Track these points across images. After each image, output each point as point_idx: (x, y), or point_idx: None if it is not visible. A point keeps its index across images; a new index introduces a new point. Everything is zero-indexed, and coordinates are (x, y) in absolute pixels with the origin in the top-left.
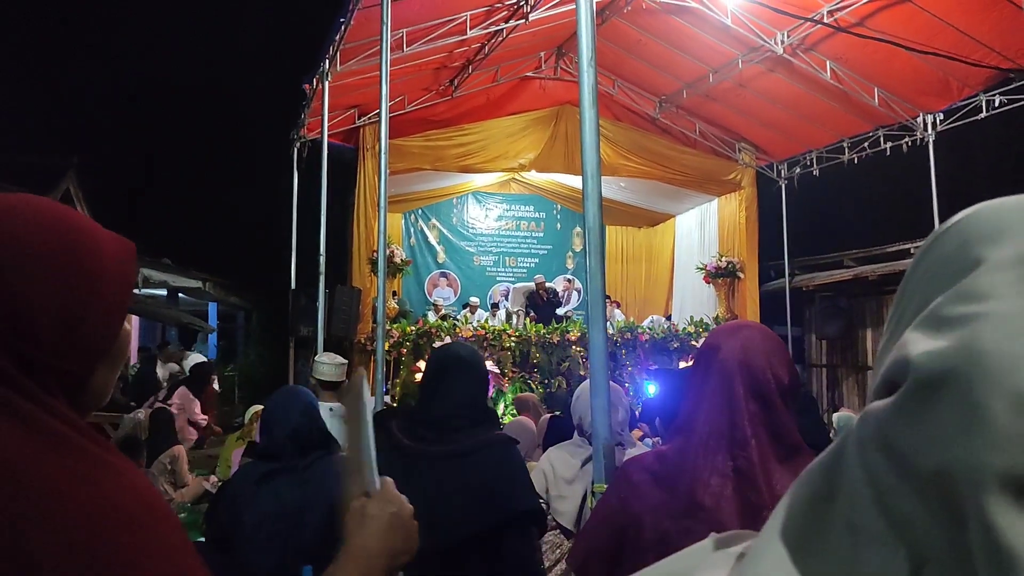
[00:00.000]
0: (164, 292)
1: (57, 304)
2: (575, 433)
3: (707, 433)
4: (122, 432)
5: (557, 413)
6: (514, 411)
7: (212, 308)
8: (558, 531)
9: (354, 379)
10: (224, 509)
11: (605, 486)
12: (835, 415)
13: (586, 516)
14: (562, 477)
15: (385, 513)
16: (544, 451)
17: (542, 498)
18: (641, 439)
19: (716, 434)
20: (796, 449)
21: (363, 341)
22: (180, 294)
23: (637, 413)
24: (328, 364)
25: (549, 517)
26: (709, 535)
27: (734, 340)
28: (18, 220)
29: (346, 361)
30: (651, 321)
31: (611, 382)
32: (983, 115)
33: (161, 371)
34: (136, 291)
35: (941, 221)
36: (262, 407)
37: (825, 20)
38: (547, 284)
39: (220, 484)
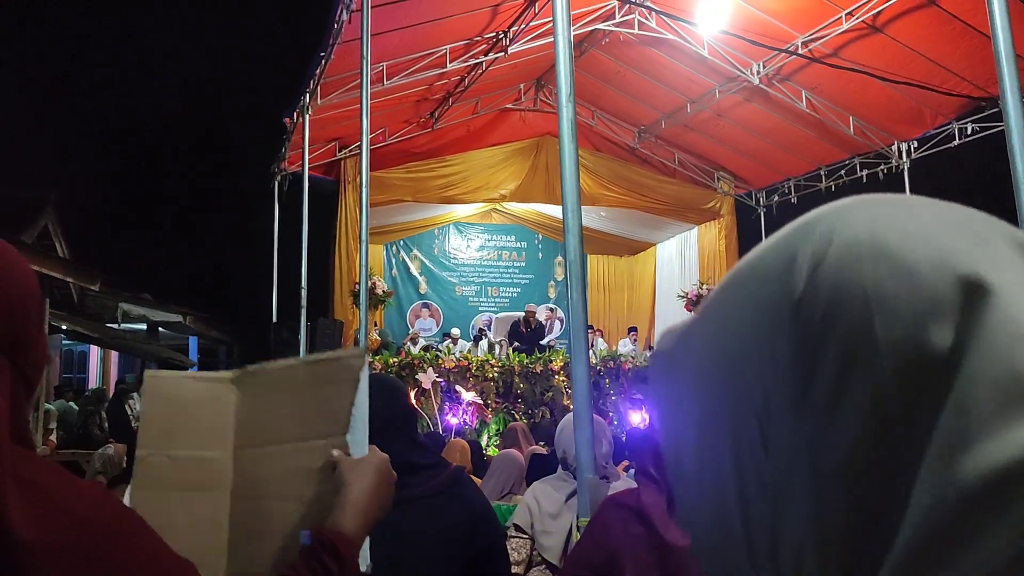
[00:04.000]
0: (144, 327)
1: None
2: (559, 467)
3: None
4: (93, 468)
5: (542, 445)
6: (498, 442)
7: (193, 342)
8: (544, 567)
9: (357, 352)
10: None
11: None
12: None
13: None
14: (547, 512)
15: (379, 471)
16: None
17: (526, 533)
18: (626, 470)
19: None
20: None
21: None
22: (160, 328)
23: (623, 439)
24: None
25: (536, 552)
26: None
27: None
28: None
29: None
30: (623, 345)
31: (595, 415)
32: (956, 142)
33: (140, 405)
34: (115, 326)
35: None
36: None
37: (800, 51)
38: (536, 316)
39: None
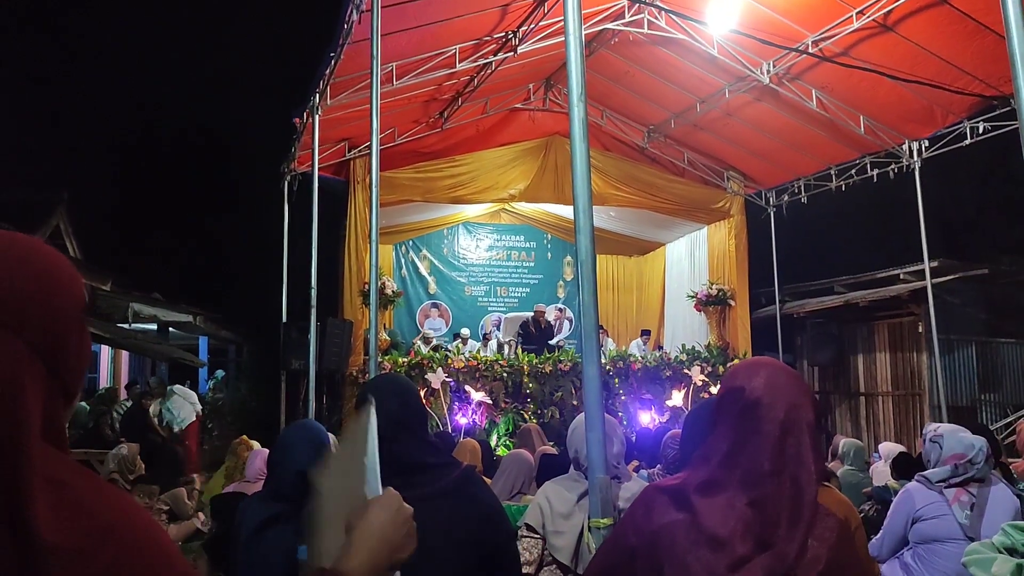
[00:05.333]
0: (154, 327)
1: (76, 334)
2: (571, 467)
3: (727, 467)
4: (108, 468)
5: (552, 445)
6: (507, 442)
7: (203, 342)
8: (555, 567)
9: (368, 408)
10: (221, 555)
11: (603, 520)
12: (841, 442)
13: (583, 551)
14: (559, 512)
15: (389, 509)
16: (538, 486)
17: (538, 533)
18: (636, 470)
19: (736, 468)
20: (819, 483)
21: (355, 374)
22: (171, 328)
23: (633, 439)
24: None
25: (547, 552)
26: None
27: (757, 379)
28: (35, 259)
29: None
30: (634, 346)
31: (606, 414)
32: (967, 142)
33: (153, 407)
34: (126, 326)
35: (929, 246)
36: (244, 439)
37: (810, 50)
38: (545, 316)
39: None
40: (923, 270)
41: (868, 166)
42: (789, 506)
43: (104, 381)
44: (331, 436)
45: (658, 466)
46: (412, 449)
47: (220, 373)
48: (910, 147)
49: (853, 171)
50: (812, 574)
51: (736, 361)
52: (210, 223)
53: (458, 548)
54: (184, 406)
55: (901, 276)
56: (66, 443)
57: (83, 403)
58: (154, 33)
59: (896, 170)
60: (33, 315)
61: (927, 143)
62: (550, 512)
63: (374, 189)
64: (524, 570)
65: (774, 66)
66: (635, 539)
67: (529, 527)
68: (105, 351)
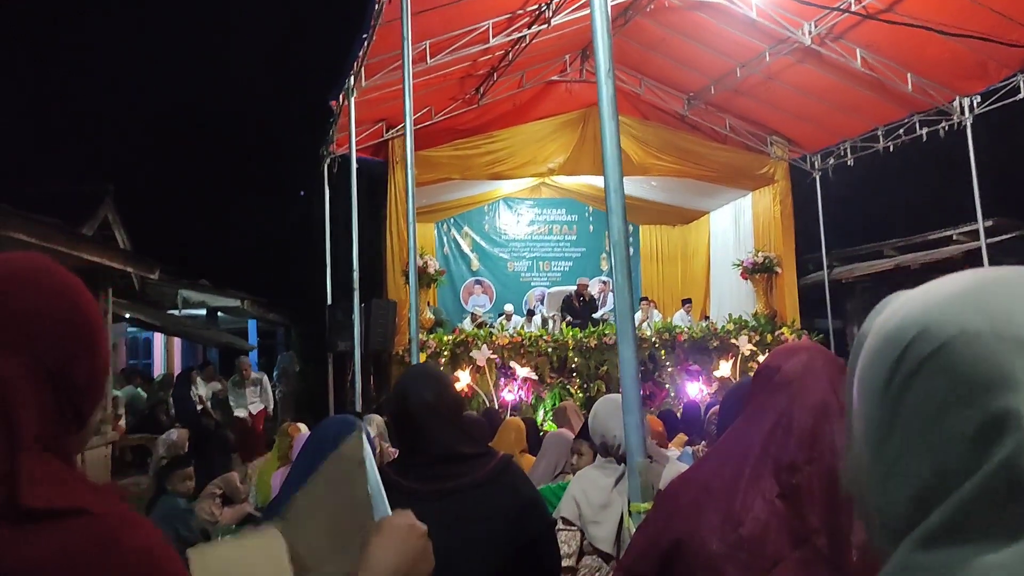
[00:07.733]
0: (203, 312)
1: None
2: (597, 455)
3: (756, 456)
4: (157, 454)
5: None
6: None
7: (252, 325)
8: (596, 555)
9: (352, 439)
10: None
11: (643, 505)
12: None
13: (624, 537)
14: (596, 503)
15: (402, 527)
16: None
17: (575, 525)
18: (685, 445)
19: (765, 457)
20: None
21: (400, 353)
22: (219, 313)
23: (678, 415)
24: None
25: (586, 542)
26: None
27: (793, 361)
28: (37, 282)
29: None
30: (677, 317)
31: (615, 395)
32: (1022, 95)
33: (204, 390)
34: (176, 312)
35: (983, 205)
36: (293, 423)
37: (853, 8)
38: (588, 289)
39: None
40: (977, 230)
41: (917, 125)
42: (822, 498)
43: (158, 367)
44: (364, 420)
45: (703, 443)
46: (448, 440)
47: (286, 356)
48: (961, 103)
49: (901, 131)
50: (846, 567)
51: (784, 329)
52: (254, 208)
53: (496, 538)
54: (268, 392)
55: (954, 237)
56: (71, 461)
57: (139, 390)
58: (192, 24)
59: (947, 128)
60: (38, 332)
61: (979, 99)
62: (586, 503)
63: (410, 170)
64: (564, 563)
65: (816, 26)
66: (663, 543)
67: (565, 520)
68: (159, 337)
